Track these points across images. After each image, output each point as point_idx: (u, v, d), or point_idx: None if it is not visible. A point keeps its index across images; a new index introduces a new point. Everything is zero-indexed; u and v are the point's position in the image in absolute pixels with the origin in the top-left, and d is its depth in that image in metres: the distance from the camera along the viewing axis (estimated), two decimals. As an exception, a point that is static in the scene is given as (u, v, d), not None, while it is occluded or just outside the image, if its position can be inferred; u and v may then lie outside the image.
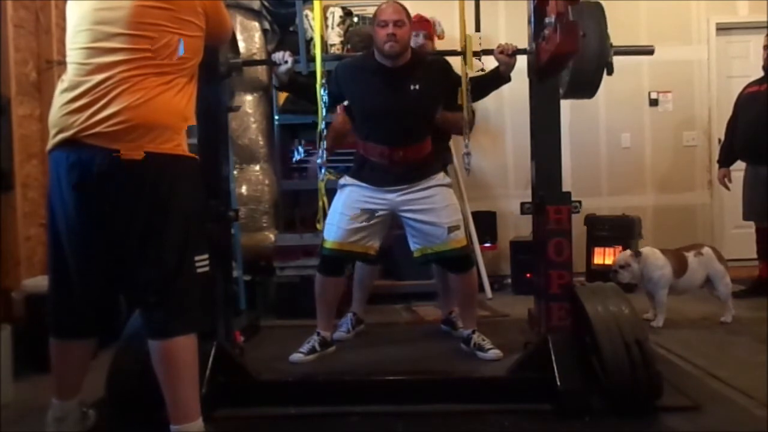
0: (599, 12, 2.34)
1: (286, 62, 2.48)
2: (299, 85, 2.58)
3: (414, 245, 2.62)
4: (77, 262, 1.72)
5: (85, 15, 1.69)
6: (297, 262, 3.63)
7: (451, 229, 2.55)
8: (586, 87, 2.39)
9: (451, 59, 2.66)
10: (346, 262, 2.70)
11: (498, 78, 2.59)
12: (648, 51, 2.50)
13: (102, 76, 1.63)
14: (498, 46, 2.52)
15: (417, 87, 2.54)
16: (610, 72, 2.35)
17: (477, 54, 2.54)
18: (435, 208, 2.56)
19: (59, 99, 1.70)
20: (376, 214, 2.59)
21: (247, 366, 2.25)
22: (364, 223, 2.57)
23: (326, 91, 2.50)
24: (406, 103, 2.54)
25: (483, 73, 2.62)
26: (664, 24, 4.73)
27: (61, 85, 1.72)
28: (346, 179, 2.67)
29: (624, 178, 4.76)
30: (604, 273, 3.98)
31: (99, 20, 1.67)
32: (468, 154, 2.48)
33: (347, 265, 2.77)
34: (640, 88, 4.75)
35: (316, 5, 2.59)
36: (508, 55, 2.51)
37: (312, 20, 4.07)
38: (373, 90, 2.57)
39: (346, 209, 2.59)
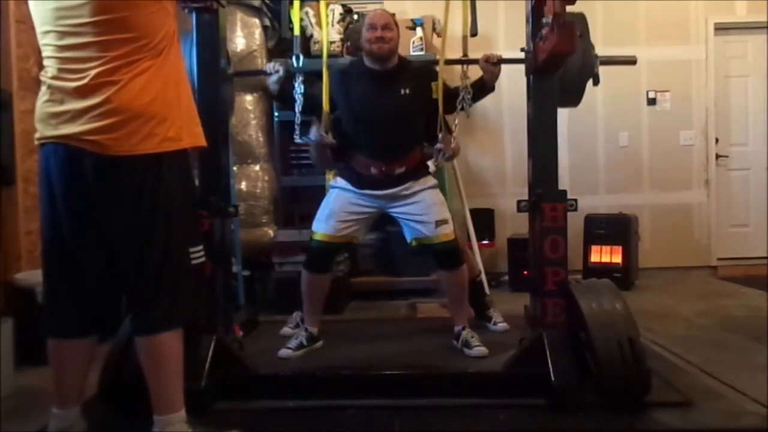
0: (582, 23, 2.39)
1: (277, 71, 2.56)
2: (289, 94, 2.65)
3: (408, 236, 2.68)
4: (70, 257, 1.71)
5: (49, 14, 1.65)
6: (295, 258, 3.65)
7: (439, 223, 2.59)
8: (570, 96, 2.44)
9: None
10: (333, 256, 2.71)
11: (482, 87, 2.62)
12: (630, 61, 2.62)
13: (73, 75, 1.62)
14: (483, 56, 2.56)
15: (407, 91, 2.57)
16: (596, 83, 2.41)
17: (462, 62, 2.58)
18: (423, 206, 2.61)
19: (42, 96, 1.69)
20: (364, 213, 2.65)
21: (245, 360, 2.28)
22: (354, 225, 2.63)
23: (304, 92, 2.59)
24: (397, 106, 2.57)
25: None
26: (662, 24, 4.75)
27: (43, 77, 1.70)
28: (337, 181, 2.72)
29: (621, 176, 4.78)
30: (601, 271, 4.03)
31: (61, 17, 1.63)
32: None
33: (334, 261, 2.77)
34: (638, 87, 4.77)
35: (296, 5, 2.66)
36: (493, 63, 2.54)
37: (312, 17, 4.10)
38: (363, 93, 2.60)
39: (336, 207, 2.64)
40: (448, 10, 2.56)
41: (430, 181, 2.69)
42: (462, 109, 2.57)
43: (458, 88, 2.59)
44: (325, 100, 2.57)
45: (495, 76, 2.59)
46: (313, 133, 2.62)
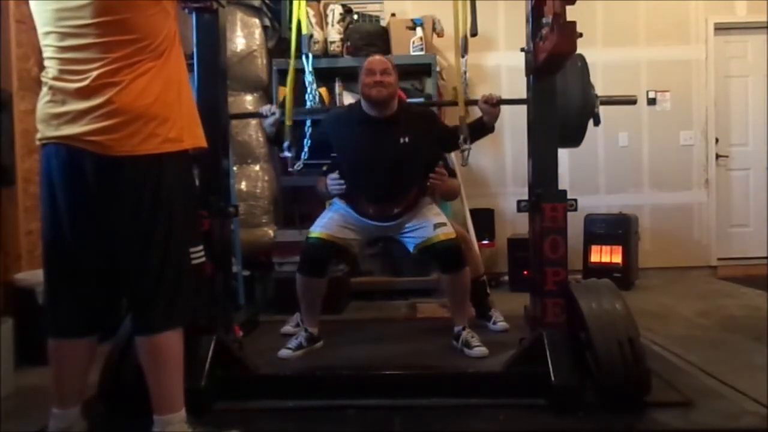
0: (582, 64, 2.40)
1: (273, 114, 2.57)
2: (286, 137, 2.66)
3: (410, 246, 2.69)
4: (71, 257, 1.71)
5: (50, 15, 1.65)
6: (295, 258, 3.64)
7: (437, 225, 2.61)
8: (571, 137, 2.47)
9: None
10: (328, 257, 2.66)
11: (482, 127, 2.62)
12: (631, 101, 2.66)
13: (75, 77, 1.62)
14: (482, 96, 2.55)
15: (406, 140, 2.58)
16: (597, 123, 2.43)
17: (476, 103, 2.56)
18: (419, 218, 2.66)
19: (43, 97, 1.69)
20: (363, 229, 2.69)
21: (245, 360, 2.28)
22: (351, 233, 2.67)
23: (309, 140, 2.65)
24: (396, 155, 2.57)
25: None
26: (662, 23, 4.75)
27: (44, 78, 1.69)
28: (336, 201, 2.76)
29: (621, 176, 4.78)
30: (601, 271, 4.03)
31: (63, 18, 1.63)
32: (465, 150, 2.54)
33: (329, 264, 2.70)
34: (639, 87, 4.76)
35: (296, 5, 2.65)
36: (493, 104, 2.54)
37: (312, 18, 4.09)
38: (361, 141, 2.60)
39: (336, 216, 2.69)
40: (457, 17, 2.53)
41: (425, 201, 2.74)
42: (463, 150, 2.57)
43: (458, 128, 2.57)
44: (288, 106, 2.58)
45: (494, 116, 2.58)
46: (333, 185, 2.65)
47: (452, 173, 2.90)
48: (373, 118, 2.60)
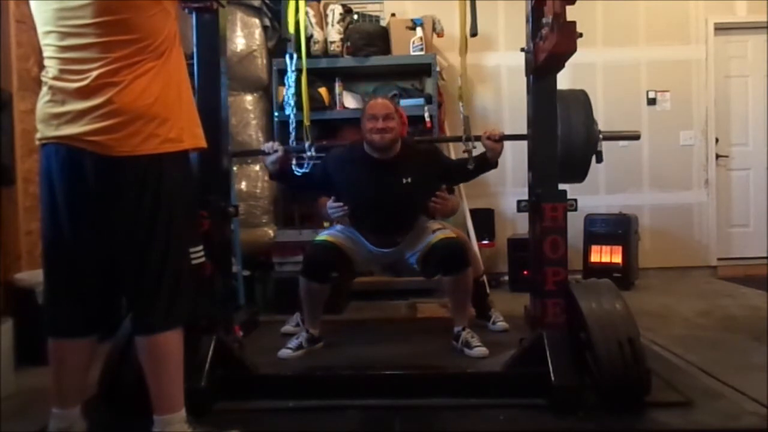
0: (585, 100, 2.39)
1: (276, 151, 2.56)
2: (288, 175, 2.65)
3: (413, 260, 2.70)
4: (71, 257, 1.71)
5: (51, 14, 1.65)
6: (295, 258, 3.65)
7: (435, 230, 2.64)
8: (574, 173, 2.47)
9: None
10: (331, 259, 2.62)
11: (485, 163, 2.62)
12: (635, 136, 2.65)
13: (75, 76, 1.62)
14: (484, 132, 2.55)
15: (409, 180, 2.59)
16: (599, 160, 2.43)
17: (466, 139, 2.55)
18: (418, 238, 2.68)
19: (43, 97, 1.69)
20: (366, 248, 2.72)
21: (246, 360, 2.28)
22: (355, 246, 2.69)
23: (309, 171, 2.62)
24: (398, 195, 2.59)
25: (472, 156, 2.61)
26: (662, 23, 4.75)
27: (44, 78, 1.69)
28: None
29: (621, 176, 4.77)
30: (601, 271, 4.03)
31: (63, 17, 1.63)
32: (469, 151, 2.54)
33: (332, 269, 2.64)
34: (639, 86, 4.77)
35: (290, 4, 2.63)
36: (495, 140, 2.53)
37: (312, 18, 4.09)
38: (364, 182, 2.61)
39: (341, 229, 2.72)
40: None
41: (422, 220, 2.75)
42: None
43: (463, 161, 2.59)
44: (306, 107, 2.62)
45: (497, 152, 2.58)
46: (333, 211, 2.65)
47: (451, 190, 2.91)
48: (376, 160, 2.61)
